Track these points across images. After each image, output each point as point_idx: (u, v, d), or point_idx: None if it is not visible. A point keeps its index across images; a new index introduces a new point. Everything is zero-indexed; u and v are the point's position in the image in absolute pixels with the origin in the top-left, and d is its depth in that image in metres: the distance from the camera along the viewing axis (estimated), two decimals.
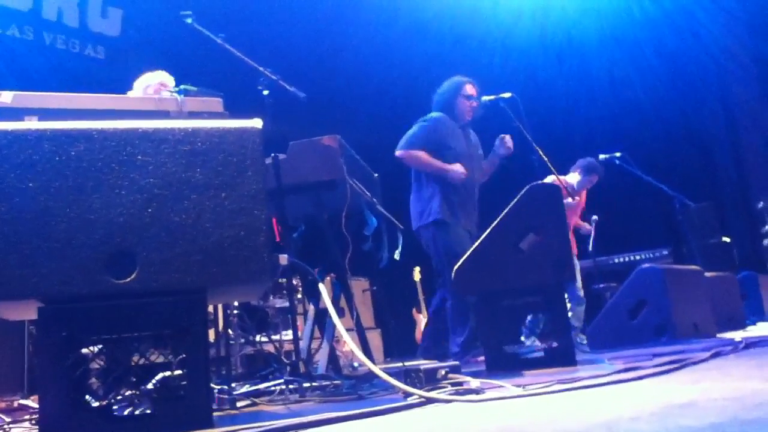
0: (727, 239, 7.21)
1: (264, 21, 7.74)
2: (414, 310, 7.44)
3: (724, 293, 5.71)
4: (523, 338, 3.69)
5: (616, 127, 9.26)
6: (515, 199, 3.61)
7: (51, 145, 1.97)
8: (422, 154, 4.67)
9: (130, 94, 3.99)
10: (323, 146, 3.39)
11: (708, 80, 9.85)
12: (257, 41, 5.60)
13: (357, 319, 3.83)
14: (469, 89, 4.87)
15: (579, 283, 6.00)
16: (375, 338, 7.00)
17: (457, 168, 4.62)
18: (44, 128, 1.99)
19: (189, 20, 3.44)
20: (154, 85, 3.97)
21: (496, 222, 3.60)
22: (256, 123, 2.17)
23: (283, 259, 2.71)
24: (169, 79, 4.02)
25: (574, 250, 6.17)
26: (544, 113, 7.83)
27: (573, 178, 6.18)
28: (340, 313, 3.48)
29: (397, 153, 4.73)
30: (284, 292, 4.95)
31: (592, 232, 6.76)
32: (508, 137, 4.82)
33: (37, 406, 2.56)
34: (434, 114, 4.81)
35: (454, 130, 4.78)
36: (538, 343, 4.44)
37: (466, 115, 4.85)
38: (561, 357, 3.35)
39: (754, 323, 6.02)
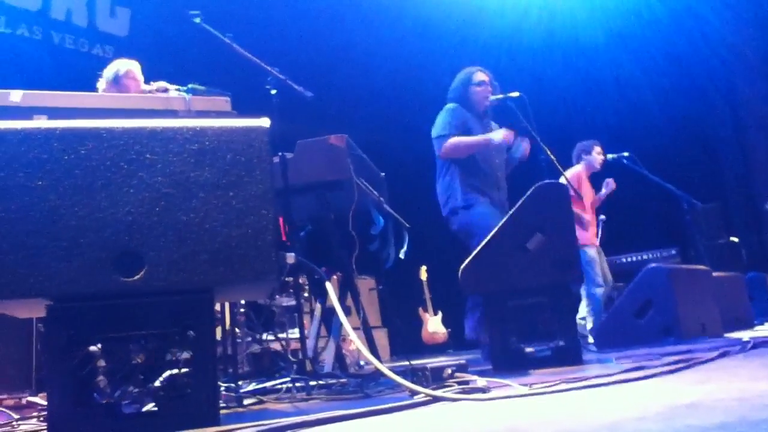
0: (734, 239, 7.18)
1: (271, 20, 7.75)
2: (420, 309, 7.44)
3: (731, 293, 5.69)
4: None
5: (623, 127, 9.24)
6: (522, 199, 3.60)
7: (60, 144, 1.98)
8: (458, 139, 4.60)
9: (98, 83, 4.04)
10: (330, 145, 3.39)
11: (715, 80, 9.82)
12: (265, 41, 5.61)
13: (363, 318, 3.84)
14: (480, 76, 4.83)
15: (600, 279, 5.95)
16: (381, 337, 7.01)
17: (498, 135, 4.57)
18: (53, 127, 2.01)
19: (197, 20, 3.45)
20: (121, 74, 4.00)
21: (503, 221, 3.60)
22: (264, 122, 2.17)
23: (290, 257, 2.72)
24: (134, 66, 4.06)
25: (595, 242, 6.11)
26: (552, 113, 7.82)
27: (576, 169, 6.18)
28: (347, 311, 3.49)
29: (441, 154, 4.66)
30: (291, 290, 4.95)
31: (600, 232, 6.76)
32: (527, 142, 4.77)
33: (45, 403, 2.58)
34: (450, 105, 4.80)
35: (470, 119, 4.75)
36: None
37: (482, 102, 4.77)
38: (568, 356, 3.35)
39: (761, 323, 6.00)
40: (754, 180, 9.58)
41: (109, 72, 4.07)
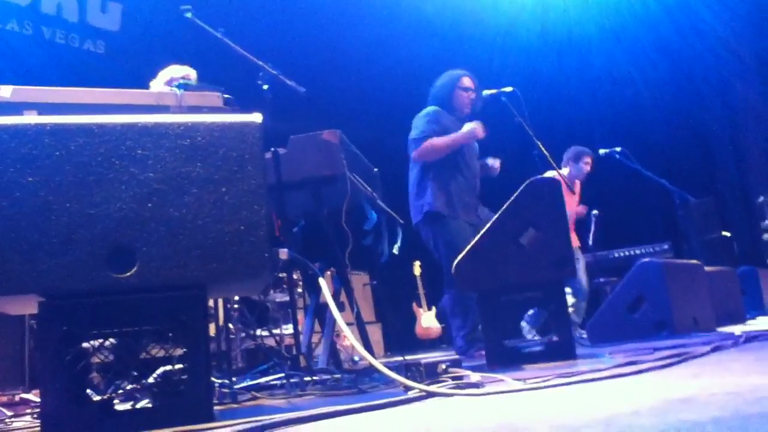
0: (727, 233, 7.21)
1: (264, 15, 7.73)
2: (414, 305, 7.44)
3: (724, 288, 5.70)
4: (523, 324, 3.67)
5: (617, 123, 9.26)
6: (515, 194, 3.60)
7: (51, 140, 1.97)
8: (434, 140, 4.63)
9: (152, 83, 4.01)
10: (323, 141, 3.38)
11: (708, 76, 9.84)
12: (257, 36, 5.59)
13: (357, 314, 3.84)
14: (466, 82, 4.85)
15: (583, 277, 6.02)
16: (375, 332, 7.01)
17: (466, 127, 4.59)
18: (44, 123, 1.99)
19: (189, 14, 3.43)
20: (177, 78, 3.98)
21: (495, 217, 3.59)
22: (256, 117, 2.16)
23: (284, 253, 2.71)
24: (192, 73, 4.03)
25: (576, 243, 6.18)
26: (545, 108, 7.83)
27: (565, 171, 6.19)
28: (341, 307, 3.48)
29: (415, 155, 4.68)
30: (284, 286, 4.96)
31: (593, 227, 6.77)
32: (498, 163, 4.80)
33: (38, 400, 2.57)
34: (430, 108, 4.80)
35: (452, 122, 4.77)
36: (537, 336, 4.46)
37: (464, 108, 4.83)
38: (561, 351, 3.35)
39: (753, 318, 6.02)
40: (747, 175, 9.61)
41: (165, 74, 4.01)
